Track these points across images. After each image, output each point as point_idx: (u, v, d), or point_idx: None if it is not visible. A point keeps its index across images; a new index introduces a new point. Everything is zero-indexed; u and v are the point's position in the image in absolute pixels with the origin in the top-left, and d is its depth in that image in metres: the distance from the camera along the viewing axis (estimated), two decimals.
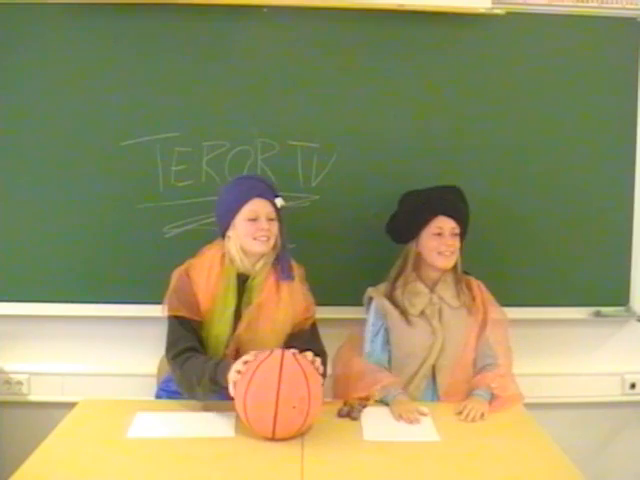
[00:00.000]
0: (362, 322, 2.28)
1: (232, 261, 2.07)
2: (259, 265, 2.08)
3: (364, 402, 2.04)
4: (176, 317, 2.04)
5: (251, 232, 2.03)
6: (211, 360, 1.94)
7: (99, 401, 2.12)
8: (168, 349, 2.03)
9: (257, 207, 2.04)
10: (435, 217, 2.18)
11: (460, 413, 2.00)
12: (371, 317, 2.24)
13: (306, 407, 1.77)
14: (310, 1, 2.41)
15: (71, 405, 2.05)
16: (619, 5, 2.50)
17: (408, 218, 2.23)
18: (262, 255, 2.08)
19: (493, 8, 2.42)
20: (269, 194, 2.07)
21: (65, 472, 1.65)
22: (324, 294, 2.21)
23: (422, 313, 2.18)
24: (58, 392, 2.55)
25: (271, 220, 2.05)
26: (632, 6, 2.50)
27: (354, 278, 2.42)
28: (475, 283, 2.26)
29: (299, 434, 1.81)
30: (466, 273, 2.27)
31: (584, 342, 2.69)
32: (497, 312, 2.24)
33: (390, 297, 2.21)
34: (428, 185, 2.27)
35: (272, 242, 2.07)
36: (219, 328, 2.04)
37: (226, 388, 1.84)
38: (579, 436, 2.63)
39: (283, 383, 1.75)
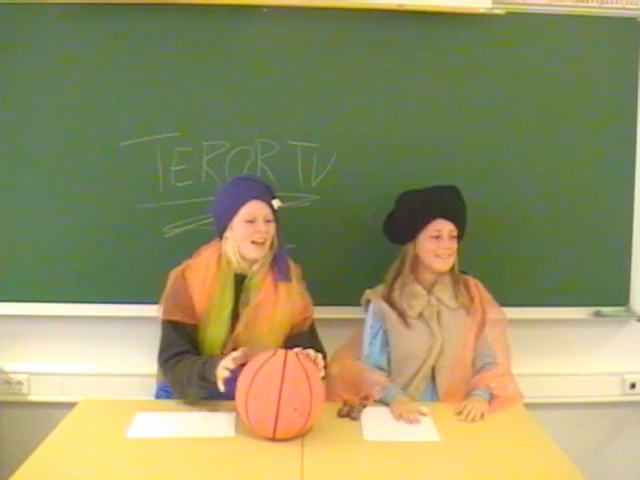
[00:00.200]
0: (362, 322, 2.28)
1: (229, 262, 2.08)
2: (256, 266, 2.08)
3: (364, 402, 2.04)
4: (170, 321, 2.04)
5: (248, 234, 2.03)
6: (200, 359, 1.95)
7: (99, 401, 2.12)
8: (160, 354, 2.04)
9: (255, 209, 2.04)
10: (434, 220, 2.17)
11: (460, 413, 2.00)
12: (369, 319, 2.24)
13: (307, 409, 1.77)
14: (310, 1, 2.41)
15: (71, 405, 2.05)
16: (619, 5, 2.50)
17: (406, 220, 2.22)
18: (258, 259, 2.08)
19: (493, 8, 2.42)
20: (266, 196, 2.08)
21: (65, 472, 1.65)
22: (324, 294, 2.22)
23: (420, 315, 2.17)
24: (58, 392, 2.55)
25: (268, 222, 2.06)
26: (632, 6, 2.50)
27: (354, 278, 2.42)
28: (473, 282, 2.25)
29: (300, 435, 1.81)
30: (463, 272, 2.26)
31: (584, 342, 2.69)
32: (495, 311, 2.23)
33: (388, 299, 2.21)
34: (428, 185, 2.26)
35: (268, 246, 2.07)
36: (215, 330, 2.04)
37: (215, 384, 1.84)
38: (579, 436, 2.63)
39: (286, 384, 1.75)
